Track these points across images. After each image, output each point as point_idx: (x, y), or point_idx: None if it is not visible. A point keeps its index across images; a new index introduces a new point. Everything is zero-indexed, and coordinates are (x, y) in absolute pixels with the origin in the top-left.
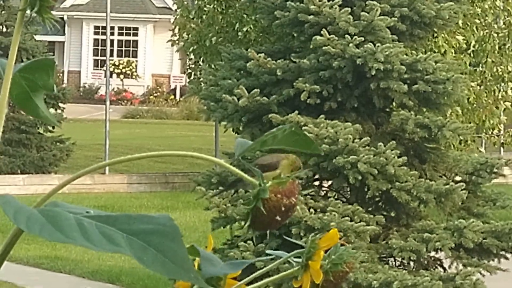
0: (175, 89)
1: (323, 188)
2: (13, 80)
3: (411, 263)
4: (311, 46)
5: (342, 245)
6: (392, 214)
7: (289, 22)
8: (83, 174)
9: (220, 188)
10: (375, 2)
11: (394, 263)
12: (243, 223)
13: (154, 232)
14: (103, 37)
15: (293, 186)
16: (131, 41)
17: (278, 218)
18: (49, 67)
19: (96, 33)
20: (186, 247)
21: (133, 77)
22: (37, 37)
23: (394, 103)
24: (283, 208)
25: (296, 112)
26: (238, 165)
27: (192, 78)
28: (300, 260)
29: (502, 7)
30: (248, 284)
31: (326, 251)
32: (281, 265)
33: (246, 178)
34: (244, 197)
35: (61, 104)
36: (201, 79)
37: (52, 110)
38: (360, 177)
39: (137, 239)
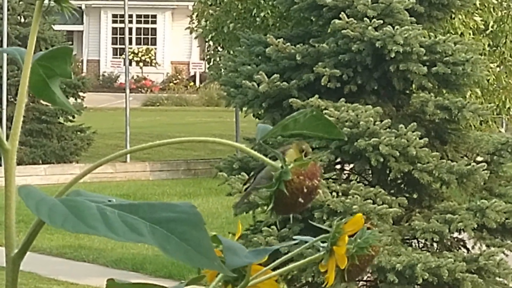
0: (194, 75)
1: (345, 171)
2: (32, 69)
3: (434, 245)
4: (330, 30)
5: (368, 228)
6: (414, 196)
7: (307, 6)
8: (104, 162)
9: (242, 173)
10: None
11: (417, 245)
12: (266, 207)
13: (177, 220)
14: (122, 25)
15: (315, 168)
16: (150, 29)
17: (301, 200)
18: (66, 54)
19: (114, 21)
20: (209, 235)
21: (152, 64)
22: (56, 27)
23: (413, 85)
24: (305, 190)
25: (317, 96)
26: (259, 150)
27: (211, 64)
28: (325, 244)
29: None
30: (273, 269)
31: (351, 236)
32: (304, 249)
33: (267, 161)
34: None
35: (81, 93)
36: (221, 65)
37: (72, 100)
38: (381, 159)
39: (160, 228)
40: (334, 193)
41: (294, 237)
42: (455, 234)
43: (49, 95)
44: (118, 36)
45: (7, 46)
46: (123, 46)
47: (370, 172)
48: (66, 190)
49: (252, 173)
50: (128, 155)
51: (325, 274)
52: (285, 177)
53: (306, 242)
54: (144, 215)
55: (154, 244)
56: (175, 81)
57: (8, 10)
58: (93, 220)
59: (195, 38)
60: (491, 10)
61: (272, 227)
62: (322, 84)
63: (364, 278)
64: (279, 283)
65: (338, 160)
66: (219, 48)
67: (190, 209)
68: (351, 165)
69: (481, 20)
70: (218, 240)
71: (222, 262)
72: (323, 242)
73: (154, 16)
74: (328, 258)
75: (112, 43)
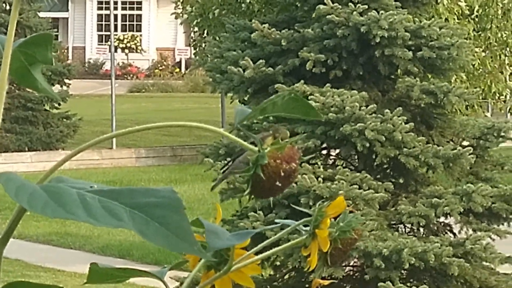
0: (180, 62)
1: (331, 157)
2: (13, 55)
3: (421, 230)
4: (315, 15)
5: (350, 212)
6: (401, 181)
7: None
8: (88, 147)
9: (228, 159)
10: None
11: (403, 230)
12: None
13: (157, 205)
14: (107, 12)
15: (293, 152)
16: (135, 15)
17: (278, 184)
18: (47, 41)
19: (99, 8)
20: (189, 220)
21: (138, 51)
22: (41, 14)
23: (399, 70)
24: (282, 174)
25: (302, 81)
26: (242, 135)
27: (197, 50)
28: (307, 228)
29: None
30: (257, 253)
31: (334, 219)
32: (291, 234)
33: (246, 145)
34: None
35: (66, 80)
36: (206, 51)
37: (57, 87)
38: (367, 145)
39: (140, 213)
40: (320, 179)
41: (276, 220)
42: (442, 219)
43: (31, 82)
44: (104, 22)
45: None
46: (108, 33)
47: (356, 157)
48: (48, 176)
49: (232, 157)
50: (114, 142)
51: (308, 259)
52: (261, 161)
53: (288, 226)
54: (124, 200)
55: (134, 229)
56: (160, 68)
57: None
58: (72, 206)
59: (181, 24)
60: None
61: (258, 212)
62: (307, 69)
63: (351, 263)
64: (265, 269)
65: (324, 145)
66: (204, 34)
67: (170, 194)
68: (337, 151)
69: (466, 5)
70: (200, 223)
71: (203, 246)
72: (305, 226)
73: (140, 3)
74: (310, 242)
75: (98, 30)
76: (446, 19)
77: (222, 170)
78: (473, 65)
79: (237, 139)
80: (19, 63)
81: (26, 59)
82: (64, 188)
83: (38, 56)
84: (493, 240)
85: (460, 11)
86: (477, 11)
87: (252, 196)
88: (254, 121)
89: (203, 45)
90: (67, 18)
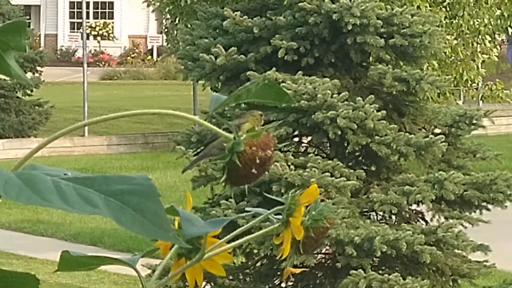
0: (152, 49)
1: (303, 144)
2: None
3: (393, 217)
4: (287, 3)
5: (322, 200)
6: (373, 168)
7: None
8: (61, 135)
9: (200, 146)
10: None
11: (375, 217)
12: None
13: (132, 192)
14: None
15: (268, 139)
16: (107, 3)
17: (254, 171)
18: (21, 28)
19: None
20: (164, 207)
21: (110, 38)
22: (13, 1)
23: (371, 58)
24: (258, 161)
25: (274, 69)
26: (216, 122)
27: (168, 38)
28: (279, 217)
29: None
30: (229, 242)
31: (306, 207)
32: (263, 223)
33: (221, 133)
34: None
35: (38, 68)
36: (178, 38)
37: (29, 74)
38: (339, 132)
39: (115, 200)
40: (292, 166)
41: (247, 208)
42: (414, 206)
43: (4, 68)
44: (76, 10)
45: None
46: (80, 20)
47: (328, 145)
48: (22, 164)
49: (205, 142)
50: (86, 129)
51: (281, 247)
52: (237, 148)
53: (260, 214)
54: (99, 187)
55: (109, 216)
56: (132, 55)
57: None
58: (47, 193)
59: (152, 11)
60: None
61: (230, 200)
62: (279, 57)
63: (322, 251)
64: (237, 256)
65: (296, 133)
66: (176, 22)
67: (145, 181)
68: (309, 138)
69: None
70: (175, 211)
71: (177, 234)
72: (277, 214)
73: None
74: (283, 230)
75: (70, 17)
76: (418, 7)
77: (194, 155)
78: (445, 53)
79: (212, 127)
80: None
81: (0, 46)
82: (38, 175)
83: (11, 43)
84: (465, 228)
85: None
86: None
87: (227, 184)
88: (226, 108)
89: (175, 32)
90: (39, 6)
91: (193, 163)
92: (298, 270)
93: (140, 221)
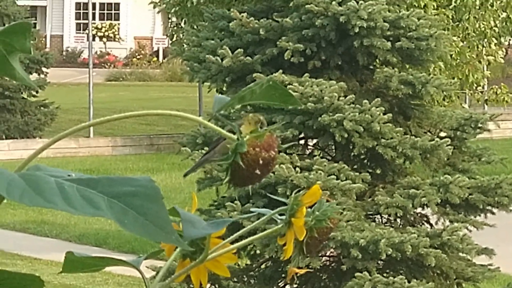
0: (157, 51)
1: (309, 147)
2: None
3: (398, 220)
4: (293, 5)
5: (327, 201)
6: (378, 171)
7: None
8: (65, 136)
9: (206, 148)
10: None
11: (380, 220)
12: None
13: (135, 194)
14: (85, 0)
15: (272, 140)
16: (113, 4)
17: (257, 172)
18: (26, 29)
19: None
20: (167, 209)
21: (116, 39)
22: (19, 2)
23: (377, 60)
24: (261, 162)
25: (280, 71)
26: (221, 124)
27: (174, 39)
28: (283, 217)
29: None
30: (233, 242)
31: (310, 208)
32: (267, 224)
33: (225, 134)
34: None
35: (44, 69)
36: (184, 40)
37: (35, 75)
38: (346, 135)
39: (118, 202)
40: (297, 169)
41: (252, 209)
42: (419, 210)
43: (8, 70)
44: (82, 11)
45: None
46: (86, 21)
47: (333, 147)
48: (26, 164)
49: (209, 147)
50: (91, 130)
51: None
52: (240, 149)
53: (264, 214)
54: (102, 189)
55: (112, 217)
56: (138, 56)
57: None
58: (51, 194)
59: (158, 12)
60: None
61: (235, 202)
62: (286, 59)
63: (327, 254)
64: (241, 258)
65: (302, 135)
66: (182, 23)
67: (148, 183)
68: (315, 141)
69: None
70: (176, 212)
71: (180, 236)
72: (281, 215)
73: None
74: (286, 230)
75: (76, 18)
76: (425, 6)
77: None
78: (451, 55)
79: (215, 127)
80: None
81: (4, 47)
82: (42, 176)
83: (16, 44)
84: (470, 231)
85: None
86: (455, 2)
87: (231, 185)
88: (231, 110)
89: (181, 34)
90: (45, 7)
91: (194, 168)
92: (302, 271)
93: (143, 223)
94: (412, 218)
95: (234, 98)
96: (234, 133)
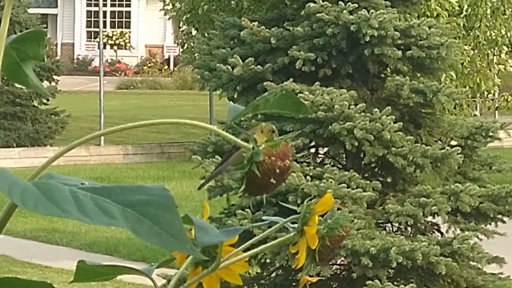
0: (168, 59)
1: (319, 155)
2: (5, 51)
3: (408, 228)
4: (304, 14)
5: (338, 209)
6: (389, 180)
7: None
8: (77, 145)
9: (216, 157)
10: None
11: (391, 228)
12: (239, 189)
13: (150, 203)
14: (96, 8)
15: (287, 149)
16: (124, 12)
17: (273, 181)
18: (39, 37)
19: (88, 4)
20: (181, 218)
21: (127, 48)
22: (30, 10)
23: (388, 69)
24: (277, 171)
25: (291, 79)
26: (234, 133)
27: (185, 47)
28: (295, 226)
29: None
30: (244, 251)
31: (322, 216)
32: (278, 232)
33: (239, 143)
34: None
35: (55, 77)
36: (195, 48)
37: (46, 83)
38: (356, 143)
39: (132, 211)
40: (308, 177)
41: (264, 217)
42: (429, 218)
43: (22, 78)
44: (93, 19)
45: None
46: (97, 29)
47: (344, 156)
48: (38, 173)
49: (222, 158)
50: (102, 138)
51: (296, 256)
52: (256, 158)
53: (276, 223)
54: (116, 198)
55: (127, 227)
56: (149, 65)
57: None
58: (65, 203)
59: (169, 19)
60: None
61: (246, 210)
62: (297, 67)
63: (338, 262)
64: (252, 266)
65: (313, 144)
66: (193, 31)
67: (162, 192)
68: (326, 149)
69: (456, 1)
70: (189, 219)
71: (194, 245)
72: (293, 223)
73: None
74: (298, 239)
75: (87, 26)
76: (438, 15)
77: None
78: (462, 64)
79: (230, 136)
80: (10, 60)
81: (18, 55)
82: (56, 185)
83: (30, 52)
84: (481, 240)
85: (451, 8)
86: (466, 11)
87: (245, 194)
88: (242, 118)
89: (192, 42)
90: (56, 15)
91: (208, 180)
92: (314, 279)
93: (158, 233)
94: (422, 227)
95: (248, 107)
96: (248, 142)
